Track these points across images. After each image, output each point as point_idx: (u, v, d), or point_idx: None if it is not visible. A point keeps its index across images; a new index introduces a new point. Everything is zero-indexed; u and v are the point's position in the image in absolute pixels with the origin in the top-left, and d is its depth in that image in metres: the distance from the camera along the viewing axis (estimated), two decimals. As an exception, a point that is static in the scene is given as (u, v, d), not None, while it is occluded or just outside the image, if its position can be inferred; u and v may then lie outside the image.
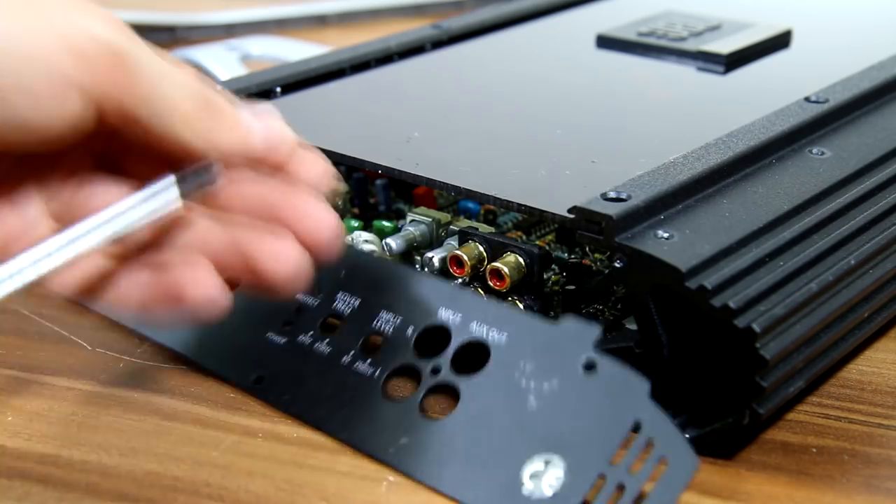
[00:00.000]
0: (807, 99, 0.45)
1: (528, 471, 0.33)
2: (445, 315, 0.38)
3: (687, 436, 0.36)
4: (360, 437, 0.37)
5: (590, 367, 0.34)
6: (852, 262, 0.38)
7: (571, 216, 0.36)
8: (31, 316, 0.45)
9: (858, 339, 0.39)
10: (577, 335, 0.35)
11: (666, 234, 0.36)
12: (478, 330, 0.37)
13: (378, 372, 0.38)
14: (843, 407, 0.39)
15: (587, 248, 0.44)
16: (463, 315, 0.37)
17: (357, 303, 0.39)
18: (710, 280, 0.34)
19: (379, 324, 0.39)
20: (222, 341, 0.41)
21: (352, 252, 0.41)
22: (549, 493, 0.33)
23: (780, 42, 0.56)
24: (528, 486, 0.33)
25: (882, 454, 0.37)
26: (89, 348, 0.43)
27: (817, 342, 0.36)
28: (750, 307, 0.34)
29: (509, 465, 0.34)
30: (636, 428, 0.33)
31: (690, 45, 0.54)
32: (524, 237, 0.45)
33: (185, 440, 0.37)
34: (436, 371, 0.37)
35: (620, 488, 0.32)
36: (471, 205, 0.47)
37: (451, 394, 0.36)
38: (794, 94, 0.46)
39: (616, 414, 0.33)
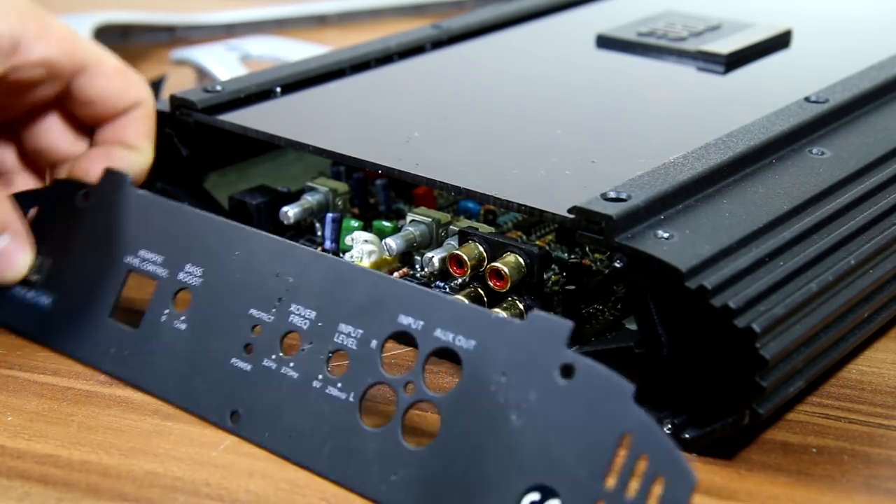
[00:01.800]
0: (807, 99, 0.46)
1: (526, 502, 0.32)
2: (406, 321, 0.35)
3: (687, 435, 0.36)
4: (349, 476, 0.35)
5: (566, 371, 0.32)
6: (852, 262, 0.38)
7: (571, 216, 0.36)
8: (31, 316, 0.45)
9: (858, 339, 0.39)
10: (548, 334, 0.33)
11: (666, 234, 0.36)
12: (444, 337, 0.35)
13: (352, 396, 0.36)
14: (843, 407, 0.39)
15: (587, 248, 0.44)
16: (425, 321, 0.35)
17: (312, 315, 0.38)
18: (709, 280, 0.34)
19: (340, 339, 0.37)
20: (188, 374, 0.39)
21: (292, 252, 0.39)
22: None
23: (780, 42, 0.56)
24: None
25: (882, 454, 0.37)
26: (89, 348, 0.43)
27: (817, 342, 0.36)
28: (750, 307, 0.34)
29: (507, 499, 0.32)
30: (626, 439, 0.31)
31: (690, 45, 0.54)
32: (524, 237, 0.45)
33: (185, 440, 0.37)
34: (409, 386, 0.35)
35: None
36: (471, 205, 0.47)
37: (431, 408, 0.35)
38: (794, 94, 0.46)
39: (603, 425, 0.31)
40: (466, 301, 0.38)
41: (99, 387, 0.40)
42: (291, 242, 0.39)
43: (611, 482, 0.31)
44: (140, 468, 0.36)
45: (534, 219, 0.46)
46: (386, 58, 0.53)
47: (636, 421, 0.31)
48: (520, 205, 0.38)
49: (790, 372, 0.35)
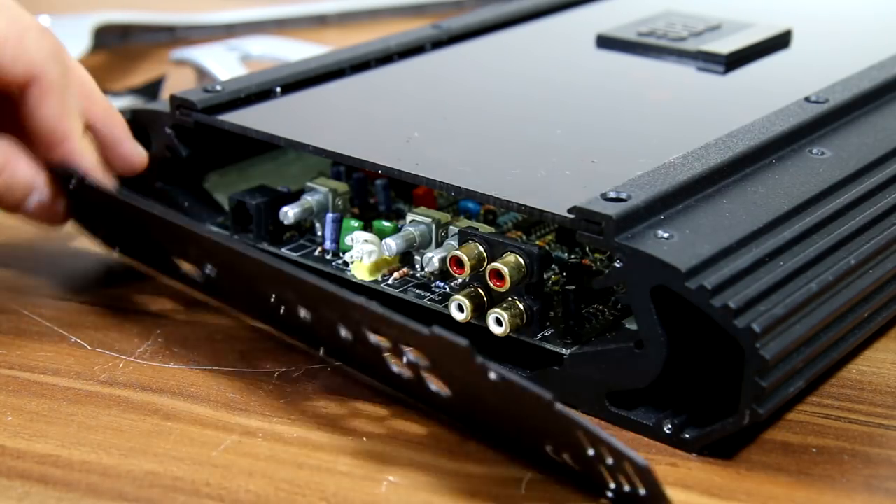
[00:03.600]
0: (807, 99, 0.46)
1: None
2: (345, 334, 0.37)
3: (687, 435, 0.36)
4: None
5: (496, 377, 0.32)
6: (852, 262, 0.38)
7: (571, 216, 0.36)
8: (31, 316, 0.45)
9: (858, 339, 0.39)
10: (453, 350, 0.32)
11: (666, 234, 0.36)
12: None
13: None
14: (843, 407, 0.39)
15: (587, 248, 0.44)
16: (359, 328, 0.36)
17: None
18: (709, 280, 0.34)
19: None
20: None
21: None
22: None
23: (780, 42, 0.56)
24: None
25: (882, 454, 0.37)
26: (89, 348, 0.43)
27: (817, 342, 0.36)
28: (750, 307, 0.34)
29: None
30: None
31: (690, 45, 0.54)
32: (524, 237, 0.45)
33: (185, 440, 0.37)
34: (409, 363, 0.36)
35: None
36: (471, 205, 0.47)
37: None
38: (794, 94, 0.46)
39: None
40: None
41: (99, 387, 0.40)
42: (194, 225, 0.41)
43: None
44: (140, 468, 0.36)
45: (534, 219, 0.46)
46: (386, 58, 0.53)
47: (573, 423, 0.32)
48: (520, 205, 0.38)
49: (790, 372, 0.35)
